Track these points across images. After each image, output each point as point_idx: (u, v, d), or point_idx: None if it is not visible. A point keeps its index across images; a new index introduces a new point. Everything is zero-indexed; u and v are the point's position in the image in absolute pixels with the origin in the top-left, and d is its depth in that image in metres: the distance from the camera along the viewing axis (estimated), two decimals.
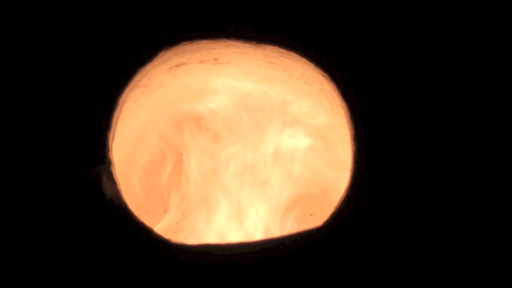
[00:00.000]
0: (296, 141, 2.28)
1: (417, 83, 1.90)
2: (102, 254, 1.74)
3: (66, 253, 1.75)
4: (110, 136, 1.83)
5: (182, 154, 2.35)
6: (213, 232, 2.17)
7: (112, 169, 1.80)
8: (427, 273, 1.78)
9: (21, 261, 1.76)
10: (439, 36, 1.94)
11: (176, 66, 2.07)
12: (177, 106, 2.29)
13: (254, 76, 2.19)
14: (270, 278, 1.72)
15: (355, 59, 1.91)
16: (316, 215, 2.34)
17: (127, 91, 1.89)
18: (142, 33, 1.92)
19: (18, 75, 1.89)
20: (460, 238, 1.81)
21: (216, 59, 2.10)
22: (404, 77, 1.91)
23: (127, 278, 1.72)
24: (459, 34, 1.95)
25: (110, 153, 1.82)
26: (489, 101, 1.90)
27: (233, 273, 1.70)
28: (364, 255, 1.77)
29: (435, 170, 1.84)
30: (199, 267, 1.69)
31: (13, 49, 1.91)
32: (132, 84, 1.90)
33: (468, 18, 1.95)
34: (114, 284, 1.73)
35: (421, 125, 1.88)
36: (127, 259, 1.73)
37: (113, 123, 1.85)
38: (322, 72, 1.92)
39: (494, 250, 1.81)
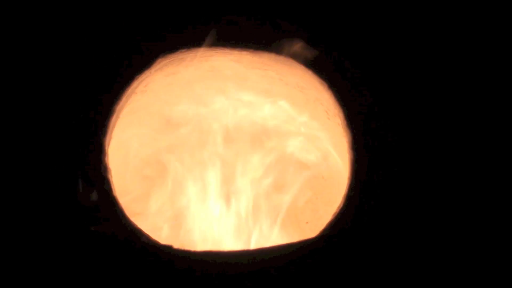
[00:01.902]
0: (291, 149, 2.29)
1: (415, 92, 1.92)
2: (102, 262, 1.72)
3: (64, 260, 1.73)
4: (106, 142, 1.82)
5: (177, 161, 2.34)
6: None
7: (109, 176, 1.78)
8: (424, 283, 1.79)
9: (16, 266, 1.74)
10: (437, 46, 1.95)
11: (173, 74, 2.06)
12: (173, 112, 2.28)
13: (250, 83, 2.19)
14: (270, 286, 1.71)
15: (352, 68, 1.92)
16: (312, 223, 2.34)
17: (123, 97, 1.88)
18: (140, 40, 1.92)
19: (16, 81, 1.88)
20: (458, 248, 1.81)
21: (212, 67, 2.10)
22: (401, 86, 1.92)
23: (128, 286, 1.70)
24: (457, 42, 1.96)
25: (106, 159, 1.80)
26: (487, 112, 1.91)
27: (234, 280, 1.69)
28: (360, 266, 1.77)
29: (433, 178, 1.85)
30: (200, 273, 1.68)
31: (12, 55, 1.90)
32: (129, 91, 1.89)
33: (468, 26, 1.97)
34: None
35: (419, 134, 1.89)
36: (128, 266, 1.71)
37: (109, 129, 1.84)
38: (319, 80, 1.93)
39: (494, 261, 1.82)
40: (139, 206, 2.22)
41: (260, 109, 2.25)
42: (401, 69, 1.93)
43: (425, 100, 1.91)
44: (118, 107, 1.86)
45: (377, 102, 1.90)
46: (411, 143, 1.88)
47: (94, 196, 1.75)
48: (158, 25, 1.95)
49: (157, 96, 2.14)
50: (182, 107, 2.26)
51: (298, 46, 1.90)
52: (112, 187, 1.78)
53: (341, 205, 1.82)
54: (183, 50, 1.94)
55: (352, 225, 1.79)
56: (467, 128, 1.90)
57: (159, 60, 1.92)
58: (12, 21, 1.92)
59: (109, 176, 1.79)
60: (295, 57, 1.91)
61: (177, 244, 1.72)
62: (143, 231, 1.72)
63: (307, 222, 2.34)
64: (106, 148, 1.82)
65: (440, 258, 1.79)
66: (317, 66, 1.92)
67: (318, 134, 2.21)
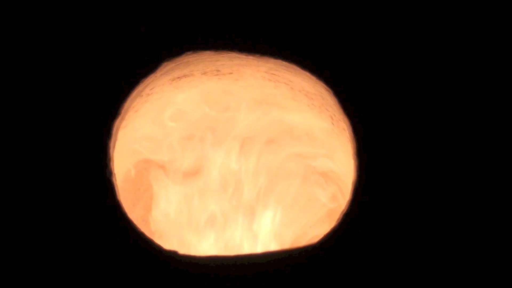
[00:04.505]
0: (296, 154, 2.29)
1: (420, 97, 1.91)
2: (106, 266, 1.73)
3: (68, 264, 1.73)
4: (111, 145, 1.82)
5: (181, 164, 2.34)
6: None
7: (114, 179, 1.78)
8: None
9: (20, 266, 1.74)
10: (443, 52, 1.95)
11: (178, 77, 2.06)
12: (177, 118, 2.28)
13: (256, 88, 2.19)
14: None
15: (358, 74, 1.92)
16: (315, 228, 2.34)
17: (129, 100, 1.88)
18: (146, 44, 1.92)
19: (21, 84, 1.87)
20: (461, 254, 1.81)
21: (218, 71, 2.10)
22: (406, 91, 1.92)
23: None
24: (461, 46, 1.96)
25: (111, 162, 1.80)
26: (489, 112, 1.91)
27: (237, 285, 1.69)
28: (363, 271, 1.77)
29: (439, 185, 1.85)
30: (204, 278, 1.68)
31: (17, 57, 1.89)
32: (134, 94, 1.89)
33: (470, 31, 1.97)
34: None
35: (425, 140, 1.88)
36: (131, 271, 1.71)
37: (114, 131, 1.84)
38: (324, 86, 1.92)
39: (497, 268, 1.82)
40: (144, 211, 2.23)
41: (267, 114, 2.26)
42: (406, 75, 1.93)
43: (431, 107, 1.91)
44: (123, 111, 1.86)
45: (383, 107, 1.90)
46: (416, 149, 1.87)
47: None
48: (164, 28, 1.94)
49: (162, 99, 2.14)
50: (188, 111, 2.26)
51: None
52: (117, 191, 1.78)
53: (345, 211, 1.82)
54: (188, 53, 1.94)
55: (356, 230, 1.79)
56: (473, 133, 1.90)
57: (164, 63, 1.91)
58: (18, 25, 1.92)
59: (114, 180, 1.79)
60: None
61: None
62: (148, 236, 1.72)
63: (310, 226, 2.34)
64: (111, 151, 1.81)
65: (443, 265, 1.79)
66: (323, 72, 1.92)
67: (323, 139, 2.21)
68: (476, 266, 1.81)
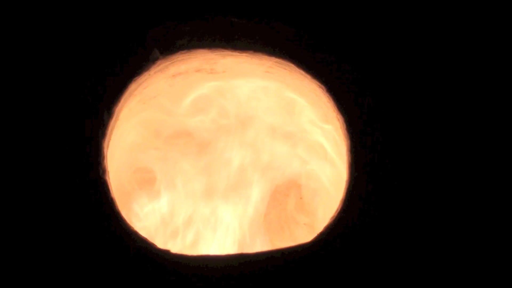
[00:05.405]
0: (290, 152, 2.29)
1: (414, 95, 1.91)
2: (98, 265, 1.73)
3: (60, 262, 1.74)
4: (105, 145, 1.82)
5: (176, 162, 2.35)
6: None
7: (107, 178, 1.79)
8: None
9: (11, 266, 1.74)
10: (438, 49, 1.95)
11: (173, 75, 2.06)
12: (172, 115, 2.28)
13: (249, 85, 2.19)
14: None
15: (351, 72, 1.92)
16: (309, 225, 2.35)
17: (123, 99, 1.87)
18: (139, 42, 1.91)
19: (14, 82, 1.87)
20: (457, 254, 1.81)
21: (212, 69, 2.09)
22: (400, 89, 1.92)
23: None
24: (457, 45, 1.96)
25: (105, 161, 1.81)
26: (490, 118, 1.91)
27: (230, 284, 1.70)
28: (359, 271, 1.77)
29: (433, 182, 1.85)
30: (196, 277, 1.69)
31: (9, 56, 1.89)
32: (128, 93, 1.89)
33: (467, 29, 1.97)
34: None
35: (419, 137, 1.88)
36: (124, 269, 1.72)
37: (108, 131, 1.84)
38: (318, 84, 1.92)
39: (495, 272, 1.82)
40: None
41: (260, 112, 2.26)
42: (400, 72, 1.93)
43: (425, 103, 1.91)
44: (117, 109, 1.86)
45: (376, 105, 1.90)
46: (410, 146, 1.87)
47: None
48: (157, 26, 1.94)
49: (157, 98, 2.14)
50: (183, 109, 2.27)
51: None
52: (110, 189, 1.78)
53: (339, 209, 1.82)
54: (182, 51, 1.93)
55: (349, 229, 1.79)
56: (467, 130, 1.89)
57: (158, 61, 1.91)
58: (11, 22, 1.92)
59: (107, 178, 1.79)
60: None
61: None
62: (141, 235, 1.73)
63: (305, 224, 2.34)
64: (105, 150, 1.82)
65: (438, 262, 1.79)
66: (316, 69, 1.91)
67: (316, 137, 2.21)
68: (475, 264, 1.81)
